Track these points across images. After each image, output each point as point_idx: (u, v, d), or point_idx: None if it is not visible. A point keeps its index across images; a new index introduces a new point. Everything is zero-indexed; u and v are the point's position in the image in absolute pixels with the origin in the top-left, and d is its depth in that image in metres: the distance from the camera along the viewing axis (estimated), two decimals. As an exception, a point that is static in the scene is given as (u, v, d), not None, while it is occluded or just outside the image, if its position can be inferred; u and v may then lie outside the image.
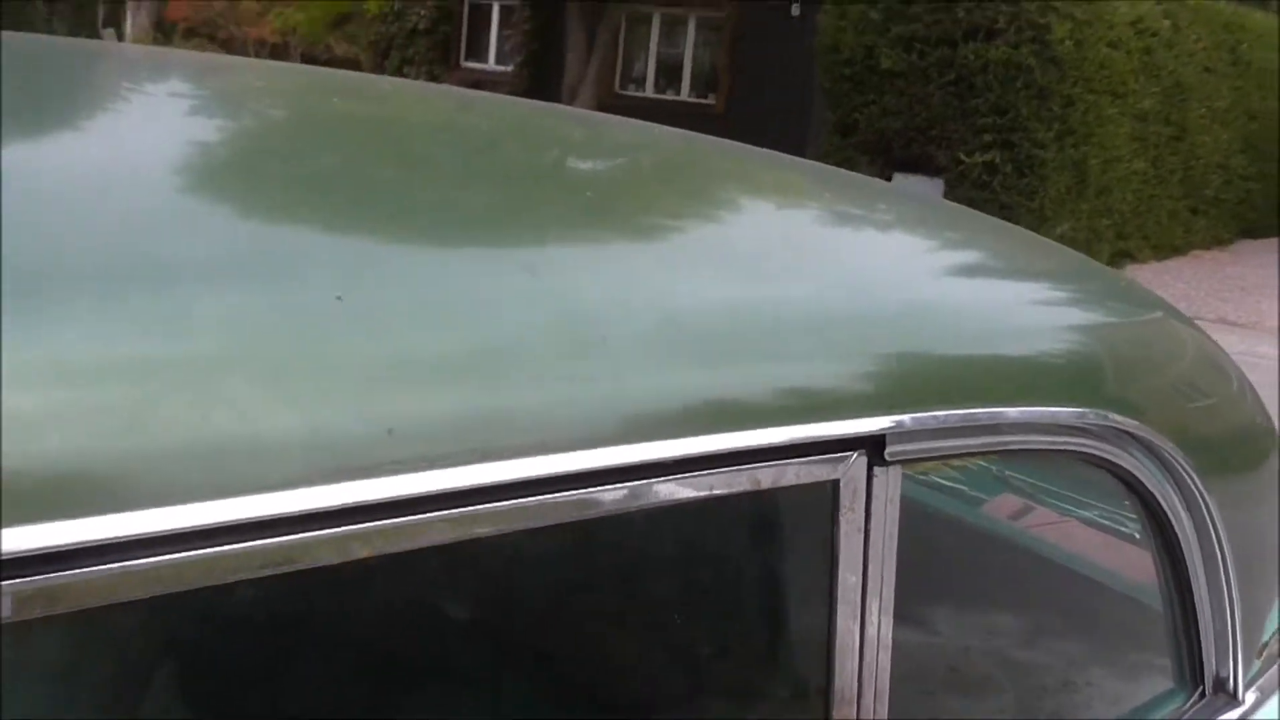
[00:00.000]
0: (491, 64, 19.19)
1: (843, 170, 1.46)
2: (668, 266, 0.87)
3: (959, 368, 0.96)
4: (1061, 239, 11.33)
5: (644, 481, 0.70)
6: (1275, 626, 1.44)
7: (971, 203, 10.95)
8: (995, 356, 1.04)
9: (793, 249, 1.02)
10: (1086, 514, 1.27)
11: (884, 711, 0.87)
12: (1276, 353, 9.15)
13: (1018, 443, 1.01)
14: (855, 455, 0.83)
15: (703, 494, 0.75)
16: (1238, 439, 1.41)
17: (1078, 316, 1.28)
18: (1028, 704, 1.23)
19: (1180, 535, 1.20)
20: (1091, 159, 11.46)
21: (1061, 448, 1.07)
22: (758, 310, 0.83)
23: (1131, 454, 1.13)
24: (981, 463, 1.15)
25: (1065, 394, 1.10)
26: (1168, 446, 1.15)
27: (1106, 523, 1.27)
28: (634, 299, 0.77)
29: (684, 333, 0.75)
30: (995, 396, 0.96)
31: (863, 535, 0.84)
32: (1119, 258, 12.74)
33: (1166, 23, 12.40)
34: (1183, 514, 1.19)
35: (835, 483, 0.82)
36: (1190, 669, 1.29)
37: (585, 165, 1.21)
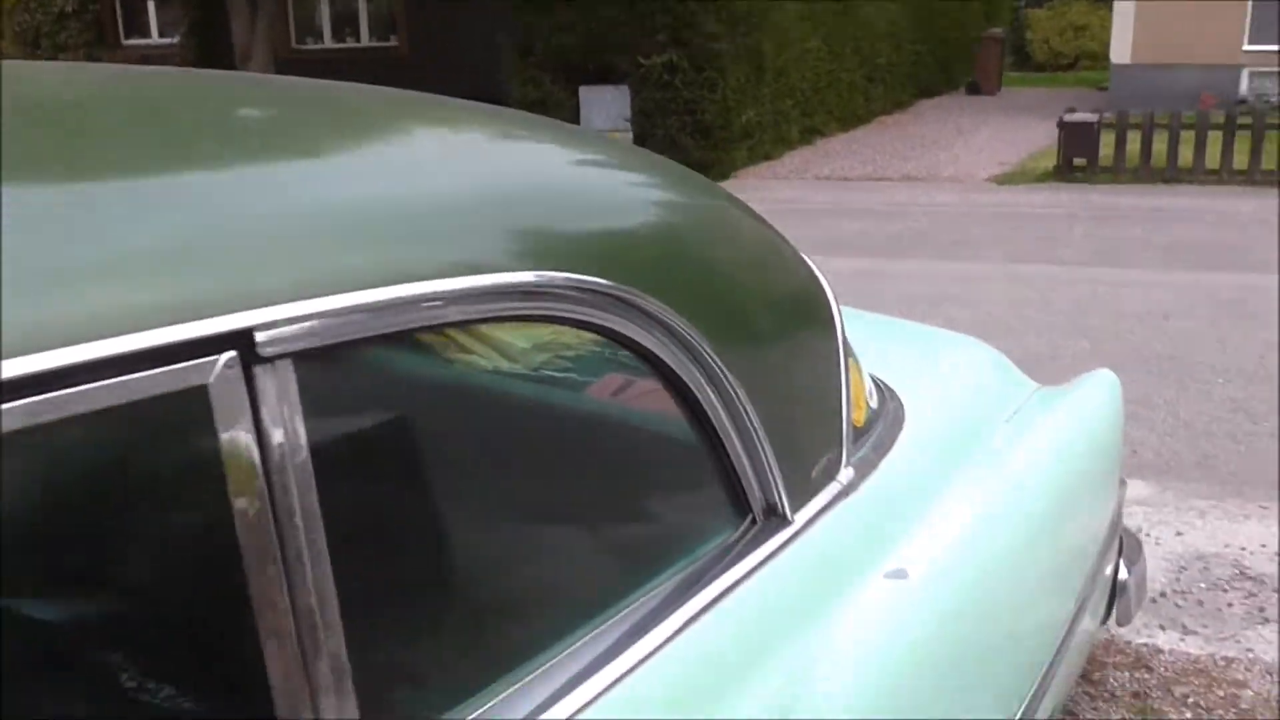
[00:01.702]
0: (155, 38, 18.06)
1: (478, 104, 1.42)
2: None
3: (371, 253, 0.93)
4: (749, 125, 11.71)
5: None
6: (839, 446, 1.52)
7: (657, 104, 11.14)
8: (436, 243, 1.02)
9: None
10: (616, 374, 1.28)
11: (338, 644, 0.85)
12: (953, 199, 9.78)
13: (467, 314, 1.00)
14: (224, 356, 0.79)
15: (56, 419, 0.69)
16: (776, 309, 1.48)
17: (610, 202, 1.30)
18: (591, 559, 1.25)
19: (697, 393, 1.25)
20: (765, 45, 11.82)
21: (531, 313, 1.07)
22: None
23: (637, 324, 1.16)
24: (514, 338, 1.14)
25: (576, 267, 1.11)
26: (674, 315, 1.19)
27: (634, 378, 1.29)
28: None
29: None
30: (430, 274, 0.94)
31: (257, 447, 0.80)
32: (808, 134, 13.27)
33: (813, -98, 12.84)
34: (697, 376, 1.24)
35: (204, 389, 0.78)
36: (737, 501, 1.35)
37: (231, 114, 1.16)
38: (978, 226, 8.54)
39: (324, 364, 0.88)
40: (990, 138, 13.33)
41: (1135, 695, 2.69)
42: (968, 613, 1.60)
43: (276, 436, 0.82)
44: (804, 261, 1.63)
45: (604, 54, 11.14)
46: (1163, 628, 2.98)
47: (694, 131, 11.13)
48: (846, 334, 1.63)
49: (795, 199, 10.08)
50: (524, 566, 1.18)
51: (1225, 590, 3.15)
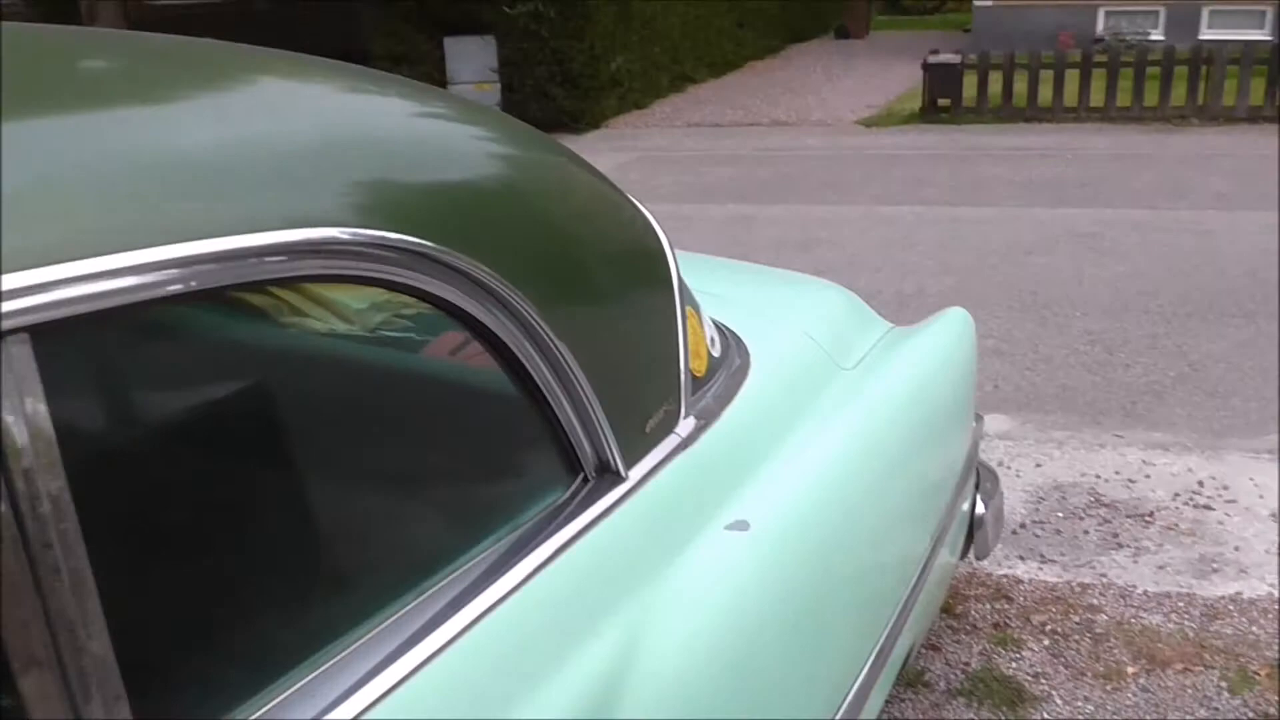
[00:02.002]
0: (-4, -4, 17.09)
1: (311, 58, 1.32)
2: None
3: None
4: (618, 73, 11.60)
5: None
6: (677, 398, 1.49)
7: (524, 54, 10.95)
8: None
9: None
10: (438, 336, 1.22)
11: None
12: (822, 143, 9.84)
13: (257, 274, 0.92)
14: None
15: None
16: (607, 265, 1.43)
17: (436, 160, 1.23)
18: (410, 528, 1.19)
19: (519, 354, 1.20)
20: (632, -10, 11.70)
21: (335, 273, 1.00)
22: None
23: (453, 285, 1.10)
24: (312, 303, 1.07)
25: (393, 224, 1.04)
26: (493, 275, 1.14)
27: (464, 339, 1.23)
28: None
29: None
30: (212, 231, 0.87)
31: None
32: (679, 81, 13.21)
33: None
34: (519, 337, 1.19)
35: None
36: (568, 461, 1.30)
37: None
38: (846, 169, 8.61)
39: (77, 332, 0.80)
40: (858, 81, 13.45)
41: (995, 626, 2.74)
42: (815, 558, 1.58)
43: (19, 415, 0.74)
44: (641, 215, 1.58)
45: (468, 3, 10.88)
46: (1022, 558, 3.04)
47: (563, 81, 10.97)
48: (685, 284, 1.59)
49: (667, 147, 10.03)
50: (338, 540, 1.11)
51: (1081, 518, 3.23)
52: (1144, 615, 2.74)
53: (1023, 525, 3.20)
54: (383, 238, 1.05)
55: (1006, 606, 2.81)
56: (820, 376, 1.90)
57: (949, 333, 2.40)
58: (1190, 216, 6.64)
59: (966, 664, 2.60)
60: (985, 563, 2.98)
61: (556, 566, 1.21)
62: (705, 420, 1.53)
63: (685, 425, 1.48)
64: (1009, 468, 3.56)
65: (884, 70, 14.06)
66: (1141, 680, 2.51)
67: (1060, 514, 3.26)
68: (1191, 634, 2.66)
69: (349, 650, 1.01)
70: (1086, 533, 3.15)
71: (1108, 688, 2.49)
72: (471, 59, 11.04)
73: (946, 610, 2.79)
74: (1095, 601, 2.81)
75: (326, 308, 1.08)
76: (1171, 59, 10.00)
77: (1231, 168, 8.00)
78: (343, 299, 1.09)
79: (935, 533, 2.13)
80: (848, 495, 1.71)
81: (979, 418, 2.68)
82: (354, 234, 1.02)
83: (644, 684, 1.23)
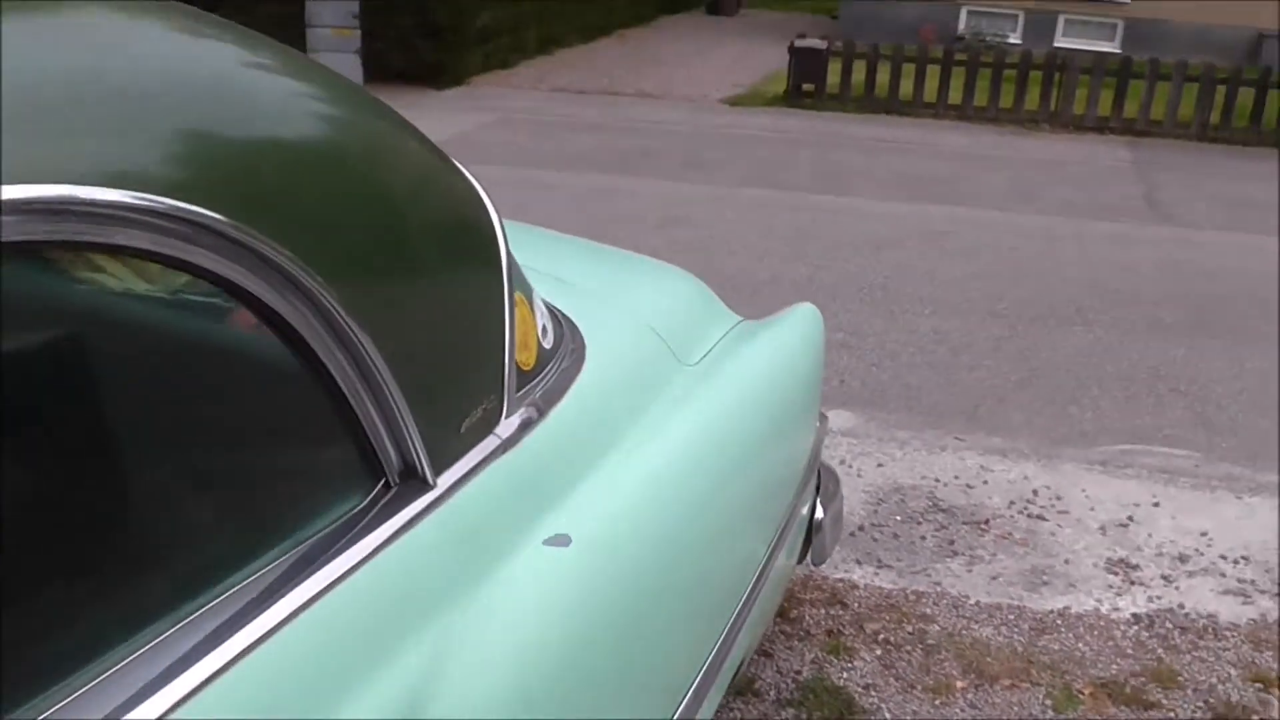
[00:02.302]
0: None
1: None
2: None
3: None
4: (485, 29, 11.27)
5: None
6: (499, 395, 1.33)
7: (392, 7, 10.53)
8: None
9: None
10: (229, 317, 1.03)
11: None
12: (686, 118, 9.74)
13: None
14: None
15: None
16: (425, 245, 1.26)
17: (243, 122, 1.03)
18: (184, 538, 1.01)
19: (313, 343, 1.03)
20: (502, -54, 11.36)
21: (78, 239, 0.82)
22: None
23: (239, 264, 0.94)
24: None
25: (178, 191, 0.86)
26: (287, 255, 0.97)
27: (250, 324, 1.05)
28: None
29: None
30: None
31: None
32: (547, 44, 12.93)
33: None
34: (314, 323, 1.03)
35: None
36: (367, 464, 1.13)
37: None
38: (708, 148, 8.53)
39: None
40: (726, 59, 13.39)
41: (829, 633, 2.67)
42: (644, 571, 1.45)
43: None
44: (472, 190, 1.40)
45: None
46: (859, 562, 2.98)
47: (427, 33, 10.59)
48: (518, 266, 1.43)
49: (530, 109, 9.79)
50: (103, 549, 0.93)
51: (919, 523, 3.20)
52: (975, 627, 2.71)
53: (861, 528, 3.15)
54: (149, 202, 0.86)
55: (841, 613, 2.75)
56: (660, 373, 1.77)
57: (798, 330, 2.30)
58: (1039, 222, 6.76)
59: (798, 672, 2.53)
60: (824, 566, 2.91)
61: (348, 585, 1.06)
62: (530, 420, 1.37)
63: (507, 425, 1.33)
64: (850, 467, 3.51)
65: (751, 49, 14.03)
66: (970, 695, 2.47)
67: (899, 517, 3.22)
68: (1020, 648, 2.64)
69: (86, 687, 0.84)
70: (924, 538, 3.11)
71: (936, 702, 2.44)
72: (333, 4, 10.54)
73: (781, 615, 2.71)
74: (929, 611, 2.76)
75: (91, 282, 0.89)
76: (1028, 63, 10.21)
77: (1079, 175, 8.20)
78: (117, 272, 0.90)
79: (774, 538, 2.03)
80: (683, 501, 1.58)
81: (824, 417, 2.60)
82: (108, 196, 0.84)
83: (446, 716, 1.08)
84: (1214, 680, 2.56)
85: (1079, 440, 3.82)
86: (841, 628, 2.69)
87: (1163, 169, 8.54)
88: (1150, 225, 6.83)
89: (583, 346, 1.62)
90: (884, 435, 3.77)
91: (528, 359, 1.42)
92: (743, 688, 2.44)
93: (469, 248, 1.35)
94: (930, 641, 2.64)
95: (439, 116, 8.89)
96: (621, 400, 1.61)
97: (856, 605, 2.78)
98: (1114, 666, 2.59)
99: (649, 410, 1.65)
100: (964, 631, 2.69)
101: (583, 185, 7.08)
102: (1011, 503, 3.34)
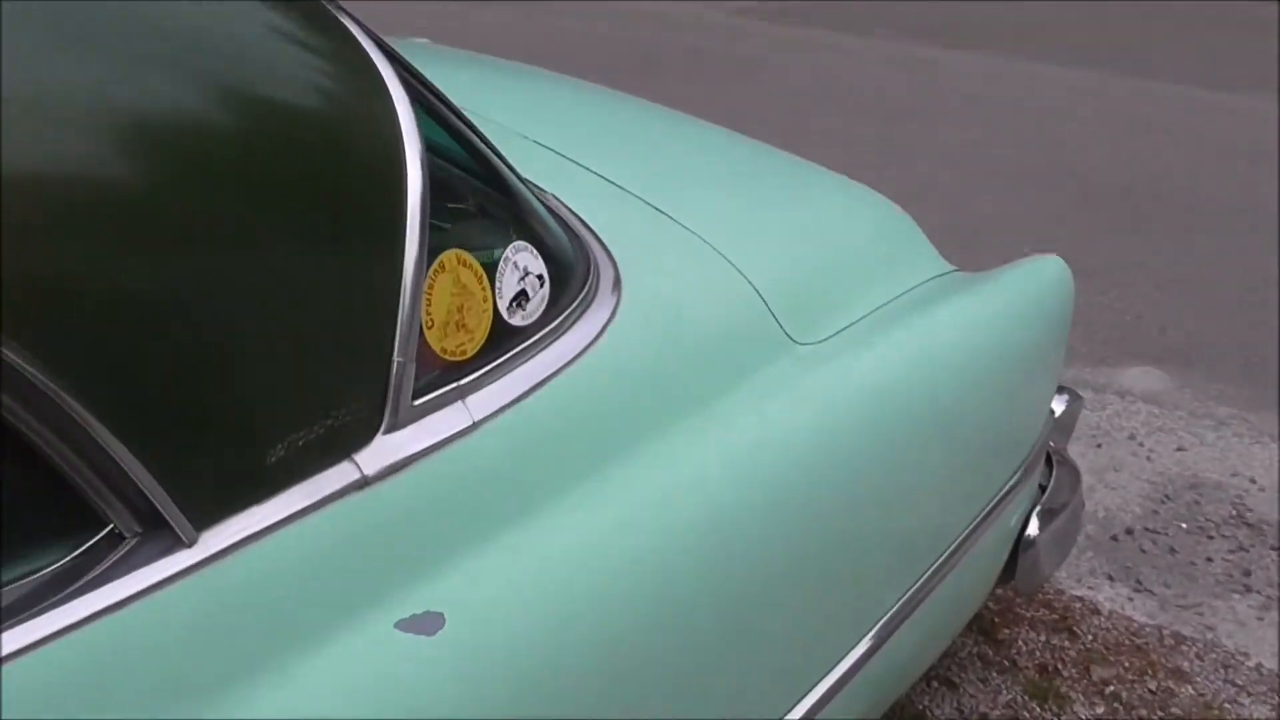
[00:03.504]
0: None
1: None
2: None
3: None
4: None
5: None
6: (368, 404, 0.88)
7: None
8: None
9: None
10: None
11: None
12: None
13: None
14: None
15: None
16: (267, 208, 0.82)
17: None
18: None
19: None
20: None
21: None
22: None
23: None
24: None
25: None
26: None
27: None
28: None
29: None
30: None
31: None
32: None
33: None
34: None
35: None
36: (76, 501, 0.75)
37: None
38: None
39: None
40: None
41: (1041, 669, 2.08)
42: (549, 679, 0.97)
43: None
44: (387, 102, 0.94)
45: None
46: (1111, 578, 2.33)
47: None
48: (516, 199, 0.99)
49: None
50: None
51: (1210, 538, 2.47)
52: (1246, 703, 2.03)
53: (1129, 531, 2.48)
54: None
55: (1066, 644, 2.15)
56: (743, 361, 1.25)
57: (1029, 292, 1.70)
58: None
59: (984, 716, 1.98)
60: (1061, 574, 2.31)
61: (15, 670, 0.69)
62: (437, 437, 0.93)
63: (381, 451, 0.89)
64: (1143, 445, 2.80)
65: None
66: (1211, 801, 1.84)
67: (1184, 525, 2.52)
68: (1306, 746, 1.95)
69: None
70: (1210, 560, 2.40)
71: (1159, 801, 1.83)
72: None
73: (986, 634, 2.15)
74: (1186, 666, 2.11)
75: None
76: None
77: None
78: None
79: (941, 558, 1.50)
80: (665, 600, 1.06)
81: (1076, 398, 2.00)
82: None
83: None
84: None
85: None
86: (1061, 665, 2.10)
87: None
88: None
89: (611, 313, 1.14)
90: (1198, 409, 3.00)
91: (461, 344, 0.97)
92: (902, 726, 1.93)
93: (348, 191, 0.89)
94: (1176, 711, 2.00)
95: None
96: (634, 407, 1.12)
97: (1090, 638, 2.17)
98: None
99: (665, 429, 1.12)
100: (1228, 706, 2.02)
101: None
102: (1354, 528, 2.54)
